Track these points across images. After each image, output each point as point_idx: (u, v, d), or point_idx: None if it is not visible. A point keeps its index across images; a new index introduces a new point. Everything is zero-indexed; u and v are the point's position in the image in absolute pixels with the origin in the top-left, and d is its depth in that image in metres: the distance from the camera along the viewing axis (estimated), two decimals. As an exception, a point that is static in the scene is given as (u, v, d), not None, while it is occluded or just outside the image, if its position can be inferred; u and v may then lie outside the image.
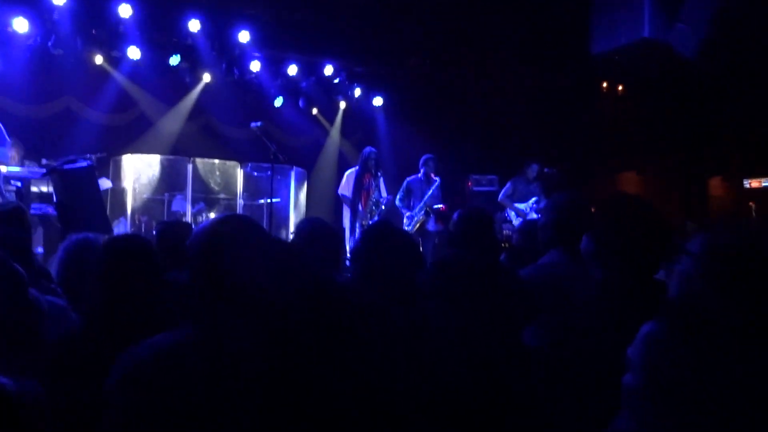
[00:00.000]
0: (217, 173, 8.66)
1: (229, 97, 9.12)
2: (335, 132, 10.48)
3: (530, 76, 9.49)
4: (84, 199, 5.12)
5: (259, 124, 6.52)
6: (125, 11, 7.56)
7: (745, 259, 1.13)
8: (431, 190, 7.58)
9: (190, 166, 8.33)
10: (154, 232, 7.45)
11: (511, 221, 8.01)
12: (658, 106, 10.37)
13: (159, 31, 8.20)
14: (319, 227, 2.69)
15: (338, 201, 7.98)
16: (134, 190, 8.02)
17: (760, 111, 8.97)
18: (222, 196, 8.51)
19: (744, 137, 9.91)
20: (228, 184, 8.67)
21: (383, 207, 7.36)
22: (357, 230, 7.21)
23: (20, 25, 7.29)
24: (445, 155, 8.69)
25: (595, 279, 1.80)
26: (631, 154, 10.99)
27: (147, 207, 8.06)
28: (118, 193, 7.91)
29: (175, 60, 8.33)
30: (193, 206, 8.17)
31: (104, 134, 8.38)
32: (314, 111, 10.10)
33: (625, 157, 11.06)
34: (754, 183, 9.85)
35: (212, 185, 8.57)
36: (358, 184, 7.36)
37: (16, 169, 6.62)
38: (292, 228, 8.26)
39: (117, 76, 8.49)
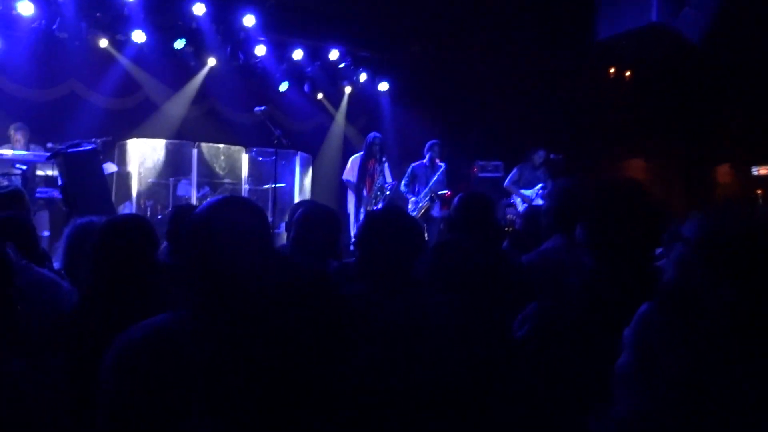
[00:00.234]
0: (222, 158, 8.66)
1: (234, 82, 9.10)
2: (340, 117, 10.46)
3: (536, 61, 9.42)
4: (88, 183, 5.13)
5: (263, 108, 6.51)
6: (130, -6, 7.54)
7: (741, 244, 1.12)
8: (436, 176, 7.57)
9: (195, 151, 8.34)
10: (159, 217, 7.54)
11: (516, 207, 8.00)
12: (665, 92, 10.28)
13: (164, 15, 8.16)
14: (314, 212, 2.69)
15: (343, 186, 7.97)
16: (139, 174, 8.03)
17: (769, 97, 8.89)
18: (227, 180, 8.52)
19: (752, 124, 9.82)
20: (233, 169, 8.67)
21: (388, 192, 7.36)
22: (361, 216, 7.21)
23: (25, 8, 7.28)
24: (450, 141, 8.66)
25: (585, 267, 1.79)
26: (638, 141, 10.92)
27: (152, 191, 8.07)
28: (124, 177, 7.93)
29: (180, 44, 8.31)
30: (198, 191, 8.19)
31: (109, 118, 8.37)
32: (319, 96, 10.07)
33: (632, 143, 10.99)
34: (762, 170, 9.77)
35: (217, 170, 8.57)
36: (363, 169, 7.36)
37: (21, 152, 6.66)
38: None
39: (122, 59, 8.48)
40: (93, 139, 5.87)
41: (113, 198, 6.68)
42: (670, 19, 6.58)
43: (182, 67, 8.93)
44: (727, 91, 9.82)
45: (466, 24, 8.71)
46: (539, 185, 7.85)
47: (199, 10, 7.99)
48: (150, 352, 1.30)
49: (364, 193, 7.39)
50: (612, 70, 10.39)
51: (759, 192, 8.84)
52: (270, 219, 5.89)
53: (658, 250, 1.95)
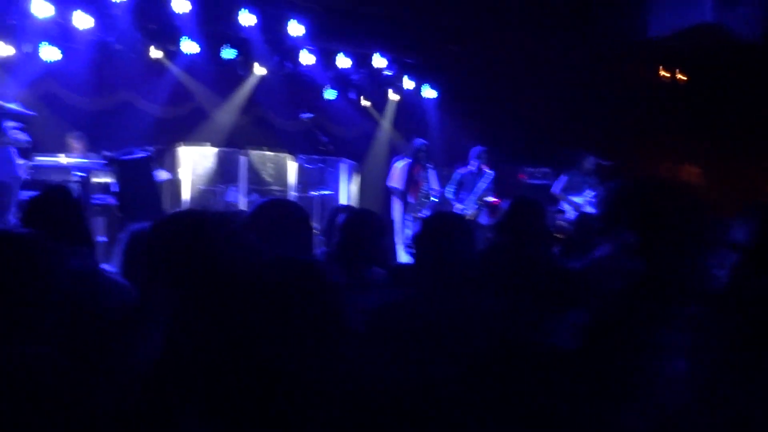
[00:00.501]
0: (270, 165, 8.78)
1: (282, 90, 9.23)
2: (386, 124, 10.48)
3: (585, 64, 9.24)
4: (141, 189, 5.29)
5: (310, 115, 6.58)
6: (182, 6, 7.73)
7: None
8: (483, 183, 7.50)
9: (243, 158, 8.48)
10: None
11: (566, 213, 7.83)
12: (721, 94, 9.93)
13: (214, 26, 8.35)
14: (359, 217, 2.68)
15: (388, 193, 7.98)
16: (190, 181, 8.21)
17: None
18: (274, 187, 8.62)
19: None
20: (280, 176, 8.77)
21: (434, 199, 7.33)
22: (407, 222, 7.20)
23: (82, 20, 7.55)
24: (497, 147, 8.57)
25: (638, 272, 1.73)
26: (692, 146, 10.58)
27: (202, 198, 8.23)
28: (175, 184, 8.11)
29: (229, 53, 8.50)
30: (246, 197, 8.32)
31: (161, 127, 8.62)
32: (365, 103, 10.12)
33: (686, 148, 10.65)
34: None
35: (265, 177, 8.69)
36: (409, 176, 7.36)
37: (79, 160, 6.90)
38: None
39: (174, 69, 8.71)
40: (146, 147, 6.05)
41: (165, 204, 6.85)
42: (724, 17, 6.36)
43: (231, 76, 9.12)
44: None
45: (512, 27, 8.61)
46: (589, 192, 7.67)
47: (247, 20, 8.14)
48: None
49: (410, 199, 7.38)
50: (663, 72, 10.11)
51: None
52: (317, 226, 5.93)
53: (709, 255, 1.87)
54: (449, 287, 1.99)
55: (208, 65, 8.70)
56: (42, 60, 7.76)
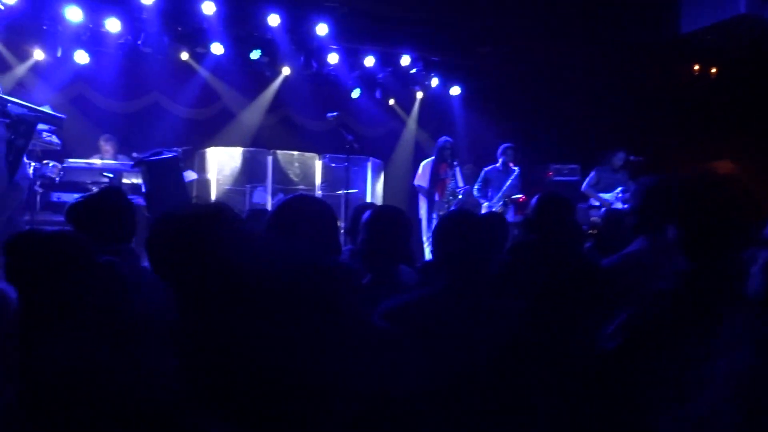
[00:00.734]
0: (296, 165, 8.82)
1: (308, 90, 9.26)
2: (412, 122, 10.45)
3: (614, 58, 9.08)
4: (170, 190, 5.33)
5: (335, 114, 6.58)
6: (209, 8, 7.80)
7: None
8: (510, 180, 7.43)
9: (270, 158, 8.54)
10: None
11: (600, 209, 7.69)
12: (756, 89, 9.67)
13: (240, 27, 8.41)
14: (385, 214, 2.64)
15: (414, 192, 7.95)
16: (218, 181, 8.29)
17: None
18: (301, 187, 8.65)
19: None
20: (306, 176, 8.81)
21: (460, 197, 7.28)
22: (434, 221, 7.15)
23: (112, 25, 7.68)
24: (524, 144, 8.48)
25: (680, 270, 1.67)
26: (726, 142, 10.32)
27: (229, 198, 8.30)
28: (203, 184, 8.20)
29: (255, 54, 8.55)
30: (273, 197, 8.37)
31: (189, 128, 8.72)
32: (391, 102, 10.10)
33: (719, 144, 10.40)
34: None
35: (291, 176, 8.73)
36: (434, 174, 7.32)
37: (109, 162, 7.01)
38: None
39: (201, 71, 8.80)
40: (174, 148, 6.10)
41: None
42: (760, 9, 6.18)
43: (258, 77, 9.18)
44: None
45: (537, 22, 8.50)
46: (619, 188, 7.54)
47: (273, 21, 8.18)
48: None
49: (436, 197, 7.35)
50: (696, 67, 9.89)
51: None
52: (343, 225, 5.93)
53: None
54: (468, 284, 1.96)
55: (234, 66, 8.77)
56: (73, 64, 7.90)
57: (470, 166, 8.58)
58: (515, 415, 1.73)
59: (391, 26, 8.95)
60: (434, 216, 7.23)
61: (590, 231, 5.50)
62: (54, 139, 6.18)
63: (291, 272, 1.44)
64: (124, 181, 6.84)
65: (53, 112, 6.13)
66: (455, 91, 10.00)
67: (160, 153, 5.52)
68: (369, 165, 9.08)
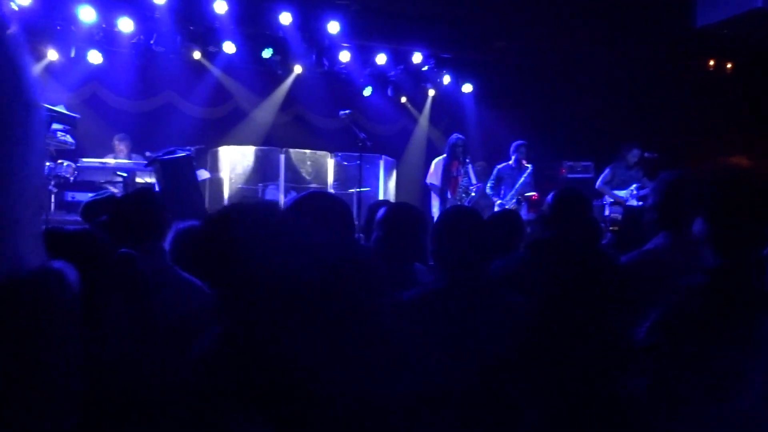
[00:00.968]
0: (308, 163, 8.82)
1: (320, 88, 9.26)
2: (424, 120, 10.41)
3: (628, 54, 8.99)
4: (183, 188, 5.34)
5: (348, 111, 6.56)
6: (221, 7, 7.82)
7: None
8: (523, 178, 7.39)
9: (282, 157, 8.54)
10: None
11: (620, 206, 7.61)
12: (770, 83, 9.56)
13: (252, 26, 8.43)
14: (401, 211, 2.62)
15: (427, 190, 7.92)
16: (230, 180, 8.30)
17: None
18: (313, 185, 8.65)
19: None
20: (319, 174, 8.81)
21: (473, 194, 7.24)
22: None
23: (125, 24, 7.71)
24: (537, 141, 8.43)
25: (706, 266, 1.64)
26: (741, 138, 10.20)
27: (242, 196, 8.32)
28: (216, 183, 8.22)
29: (267, 53, 8.56)
30: (285, 195, 8.37)
31: (202, 127, 8.74)
32: (403, 99, 10.07)
33: (734, 141, 10.28)
34: None
35: (304, 175, 8.73)
36: (446, 172, 7.28)
37: (123, 161, 7.04)
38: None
39: (213, 70, 8.82)
40: (187, 147, 6.12)
41: (206, 203, 6.93)
42: (778, 3, 6.09)
43: (270, 76, 9.19)
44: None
45: (550, 18, 8.42)
46: (633, 185, 7.47)
47: (285, 19, 8.19)
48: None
49: (449, 195, 7.31)
50: (712, 62, 9.77)
51: None
52: (356, 223, 5.91)
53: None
54: (466, 283, 1.96)
55: (246, 65, 8.79)
56: (86, 64, 7.94)
57: (482, 163, 8.54)
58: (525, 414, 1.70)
59: (403, 23, 8.93)
60: (447, 214, 7.20)
61: (611, 228, 5.45)
62: (68, 138, 6.21)
63: (329, 270, 1.43)
64: (138, 180, 6.86)
65: (67, 112, 6.16)
66: (467, 88, 9.95)
67: (174, 152, 5.54)
68: (381, 163, 9.06)
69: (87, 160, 6.70)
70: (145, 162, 6.27)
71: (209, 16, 8.02)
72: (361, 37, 8.96)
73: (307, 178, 8.73)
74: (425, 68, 9.61)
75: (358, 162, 6.99)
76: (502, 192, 7.51)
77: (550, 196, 2.56)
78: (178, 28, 8.04)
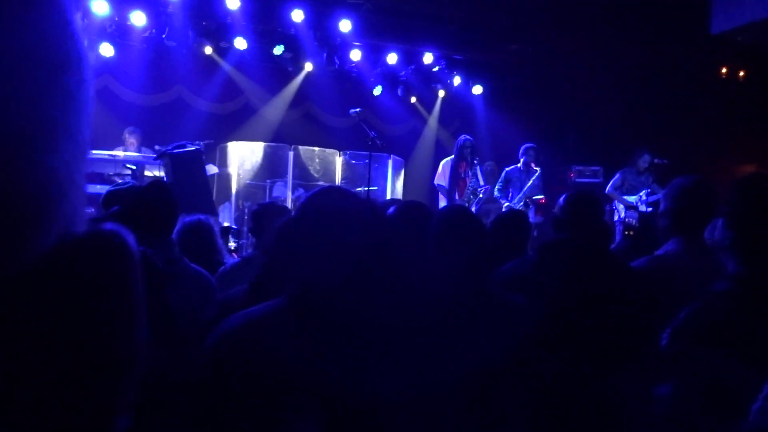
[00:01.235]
0: (317, 160, 8.83)
1: (330, 86, 9.26)
2: (433, 121, 10.40)
3: (640, 60, 8.95)
4: (192, 182, 5.34)
5: (358, 110, 6.55)
6: (233, 3, 7.83)
7: None
8: (531, 181, 7.35)
9: (291, 153, 8.55)
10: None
11: (637, 209, 7.57)
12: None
13: (264, 22, 8.44)
14: (412, 210, 2.61)
15: (435, 190, 7.91)
16: (239, 175, 8.32)
17: None
18: (321, 183, 8.66)
19: None
20: (327, 172, 8.82)
21: (481, 195, 7.22)
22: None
23: (138, 18, 7.73)
24: (546, 144, 8.40)
25: (726, 272, 1.62)
26: (752, 146, 10.15)
27: (250, 192, 8.33)
28: (224, 178, 8.23)
29: (278, 50, 8.56)
30: (293, 192, 8.38)
31: (212, 122, 8.75)
32: (413, 99, 10.06)
33: (746, 148, 10.23)
34: None
35: (312, 172, 8.74)
36: (454, 173, 7.26)
37: (133, 154, 7.06)
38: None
39: (225, 66, 8.83)
40: (197, 142, 6.12)
41: (214, 198, 6.94)
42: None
43: (280, 73, 9.20)
44: None
45: (563, 22, 8.40)
46: (643, 191, 7.44)
47: (297, 16, 8.19)
48: (247, 344, 1.28)
49: (456, 196, 7.29)
50: (725, 70, 9.71)
51: None
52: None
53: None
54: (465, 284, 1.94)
55: (257, 62, 8.80)
56: (98, 56, 7.96)
57: (491, 163, 8.52)
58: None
59: (415, 24, 8.92)
60: (454, 215, 7.18)
61: (626, 233, 5.41)
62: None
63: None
64: (147, 173, 6.88)
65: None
66: (477, 90, 9.94)
67: (183, 146, 5.54)
68: (390, 162, 9.06)
69: (97, 152, 6.70)
70: (155, 155, 6.28)
71: (222, 12, 8.04)
72: (373, 37, 8.96)
73: (316, 175, 8.74)
74: (436, 69, 9.60)
75: (367, 161, 6.98)
76: (510, 194, 7.48)
77: (561, 198, 2.54)
78: (191, 23, 8.06)
